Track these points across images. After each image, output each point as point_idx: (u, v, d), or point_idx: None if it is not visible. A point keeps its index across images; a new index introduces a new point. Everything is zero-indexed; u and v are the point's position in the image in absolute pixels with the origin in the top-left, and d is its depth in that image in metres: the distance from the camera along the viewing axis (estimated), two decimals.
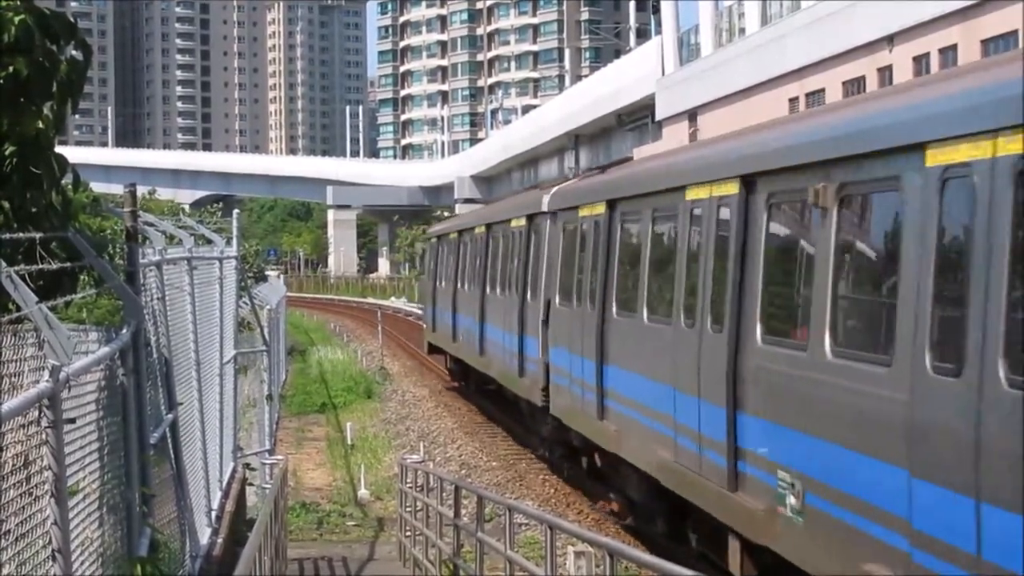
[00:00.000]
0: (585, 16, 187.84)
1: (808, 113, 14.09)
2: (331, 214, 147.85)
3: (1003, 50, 30.29)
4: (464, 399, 35.08)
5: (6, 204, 7.10)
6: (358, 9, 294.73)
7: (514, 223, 24.72)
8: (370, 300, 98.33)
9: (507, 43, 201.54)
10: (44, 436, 5.49)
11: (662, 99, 59.20)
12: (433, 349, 38.00)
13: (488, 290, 27.30)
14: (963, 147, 7.39)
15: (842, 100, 26.43)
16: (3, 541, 5.09)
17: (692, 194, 12.76)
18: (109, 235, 9.57)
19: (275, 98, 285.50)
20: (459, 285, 31.62)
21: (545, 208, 21.50)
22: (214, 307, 15.22)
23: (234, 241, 18.04)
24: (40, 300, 5.71)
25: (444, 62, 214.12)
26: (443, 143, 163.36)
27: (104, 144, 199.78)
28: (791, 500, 9.78)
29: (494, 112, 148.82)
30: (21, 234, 6.80)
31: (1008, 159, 6.95)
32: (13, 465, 5.29)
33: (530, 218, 23.09)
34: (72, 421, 6.04)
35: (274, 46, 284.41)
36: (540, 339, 21.11)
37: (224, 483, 15.41)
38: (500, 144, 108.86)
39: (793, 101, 43.86)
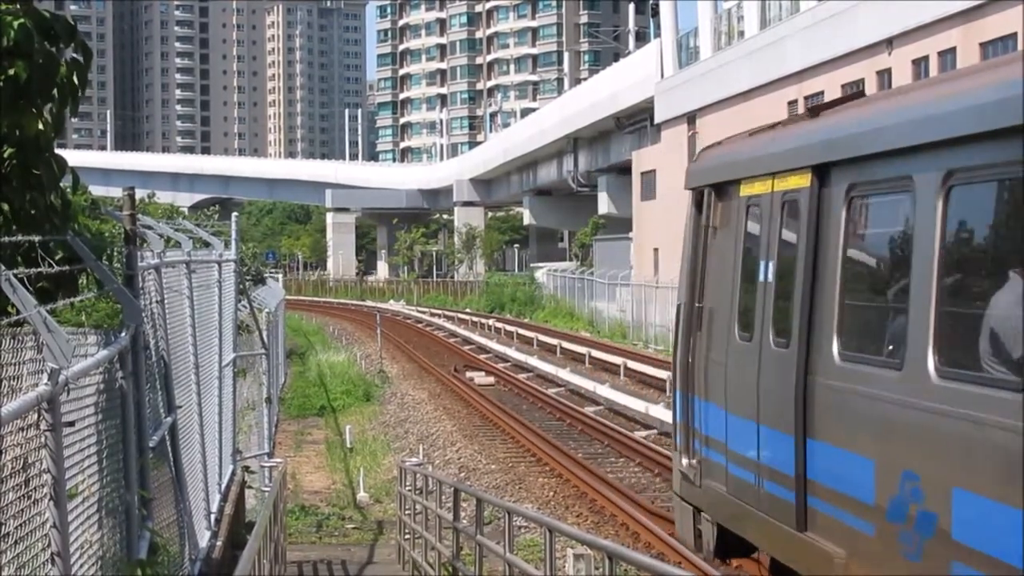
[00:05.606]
0: (584, 19, 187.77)
1: None
2: (330, 217, 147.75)
3: (1002, 53, 30.27)
4: (463, 402, 35.03)
5: (5, 206, 7.08)
6: (357, 12, 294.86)
7: None
8: (369, 303, 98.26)
9: (506, 46, 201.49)
10: (43, 439, 5.48)
11: (661, 102, 59.23)
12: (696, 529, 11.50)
13: None
14: None
15: None
16: (2, 544, 5.08)
17: None
18: (108, 238, 9.55)
19: (274, 101, 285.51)
20: None
21: None
22: (213, 310, 15.21)
23: (232, 244, 18.02)
24: (39, 303, 5.70)
25: (443, 65, 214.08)
26: (442, 146, 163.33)
27: (103, 147, 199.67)
28: None
29: (493, 115, 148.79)
30: (20, 237, 6.80)
31: None
32: (12, 468, 5.28)
33: None
34: (71, 424, 6.04)
35: (273, 49, 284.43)
36: None
37: (223, 486, 15.39)
38: (499, 147, 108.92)
39: (792, 104, 43.86)
